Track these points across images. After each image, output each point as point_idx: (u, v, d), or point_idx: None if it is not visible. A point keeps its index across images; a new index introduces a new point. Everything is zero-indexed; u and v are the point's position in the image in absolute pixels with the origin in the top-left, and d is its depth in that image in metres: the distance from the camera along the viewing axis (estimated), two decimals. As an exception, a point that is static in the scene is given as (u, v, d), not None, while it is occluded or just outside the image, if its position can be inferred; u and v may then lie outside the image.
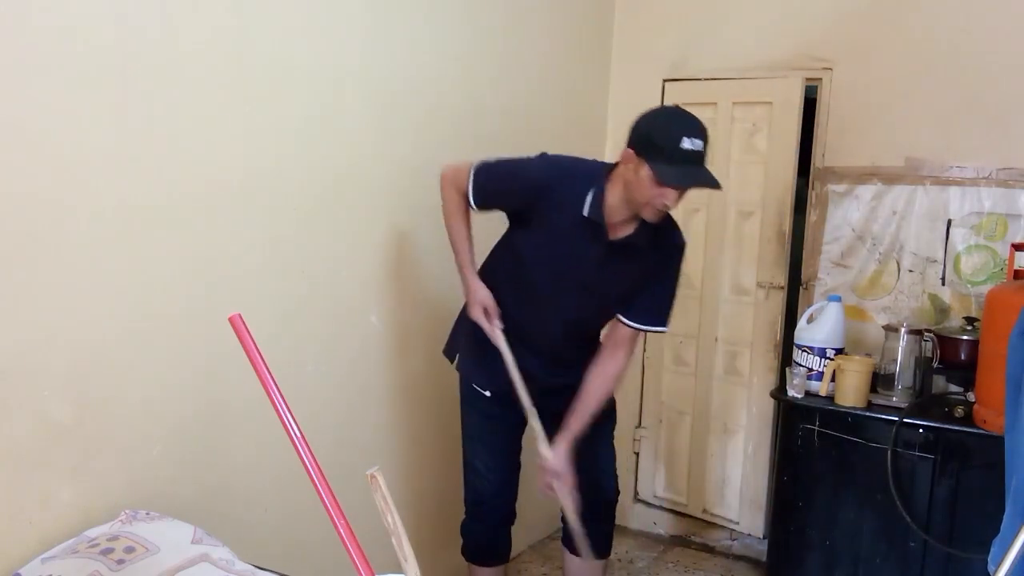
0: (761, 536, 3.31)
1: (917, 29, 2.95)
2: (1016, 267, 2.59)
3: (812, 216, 3.19)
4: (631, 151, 1.96)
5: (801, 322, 2.93)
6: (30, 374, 1.56)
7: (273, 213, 2.08)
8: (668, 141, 1.91)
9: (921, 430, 2.55)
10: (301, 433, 0.81)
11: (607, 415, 2.37)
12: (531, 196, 2.08)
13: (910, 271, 3.01)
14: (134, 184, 1.72)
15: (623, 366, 2.26)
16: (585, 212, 2.03)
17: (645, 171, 1.92)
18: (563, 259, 2.11)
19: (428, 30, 2.55)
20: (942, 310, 2.95)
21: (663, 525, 3.62)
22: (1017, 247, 2.60)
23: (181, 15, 1.79)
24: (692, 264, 3.44)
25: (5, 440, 1.52)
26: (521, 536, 2.79)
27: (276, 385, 0.81)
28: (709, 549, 3.50)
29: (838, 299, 2.89)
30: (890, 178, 3.02)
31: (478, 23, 2.79)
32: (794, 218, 3.20)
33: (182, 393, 1.87)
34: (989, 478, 2.39)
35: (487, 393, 2.29)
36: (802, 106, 3.12)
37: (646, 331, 2.25)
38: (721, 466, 3.42)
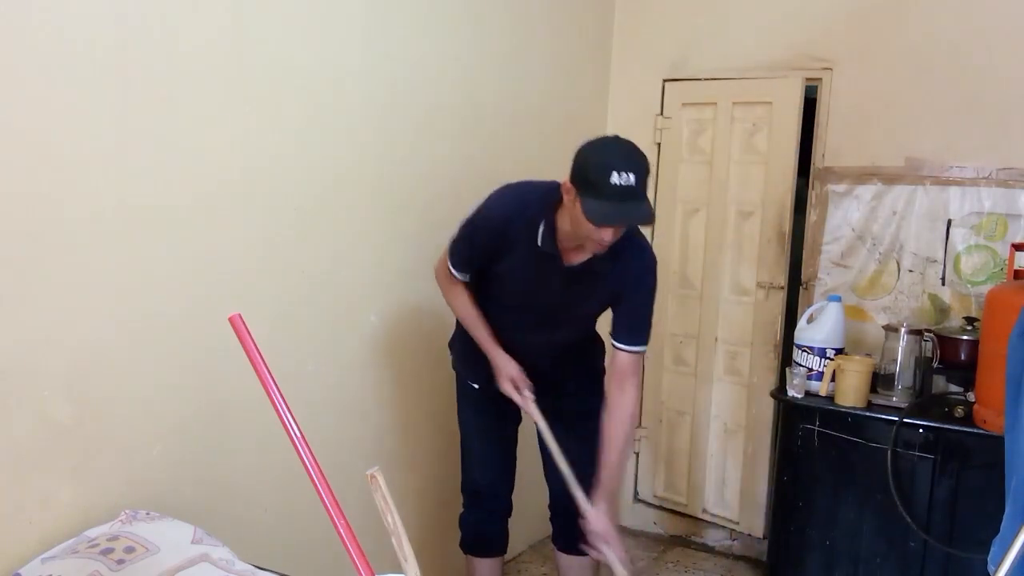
0: (761, 536, 3.31)
1: (917, 29, 2.95)
2: (1016, 267, 2.59)
3: (812, 216, 3.19)
4: (569, 183, 1.93)
5: (801, 322, 2.93)
6: (30, 374, 1.56)
7: (273, 213, 2.08)
8: (598, 176, 1.84)
9: (921, 430, 2.55)
10: (301, 433, 0.81)
11: (592, 416, 2.33)
12: (495, 241, 2.10)
13: (910, 271, 3.01)
14: (134, 184, 1.72)
15: (634, 401, 2.24)
16: (539, 243, 2.03)
17: (579, 206, 1.88)
18: (530, 289, 2.16)
19: (428, 30, 2.55)
20: (942, 310, 2.95)
21: (663, 525, 3.62)
22: (1017, 247, 2.60)
23: (181, 15, 1.79)
24: (692, 264, 3.44)
25: (5, 440, 1.53)
26: (521, 536, 2.79)
27: (276, 385, 0.81)
28: (709, 549, 3.50)
29: (838, 299, 2.89)
30: (890, 178, 3.02)
31: (478, 23, 2.79)
32: (794, 218, 3.21)
33: (182, 393, 1.87)
34: (989, 478, 2.39)
35: (476, 386, 2.36)
36: (802, 106, 3.12)
37: (629, 351, 2.23)
38: (721, 466, 3.42)
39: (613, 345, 2.24)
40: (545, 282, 2.12)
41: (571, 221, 1.96)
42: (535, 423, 2.26)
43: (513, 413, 2.40)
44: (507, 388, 2.24)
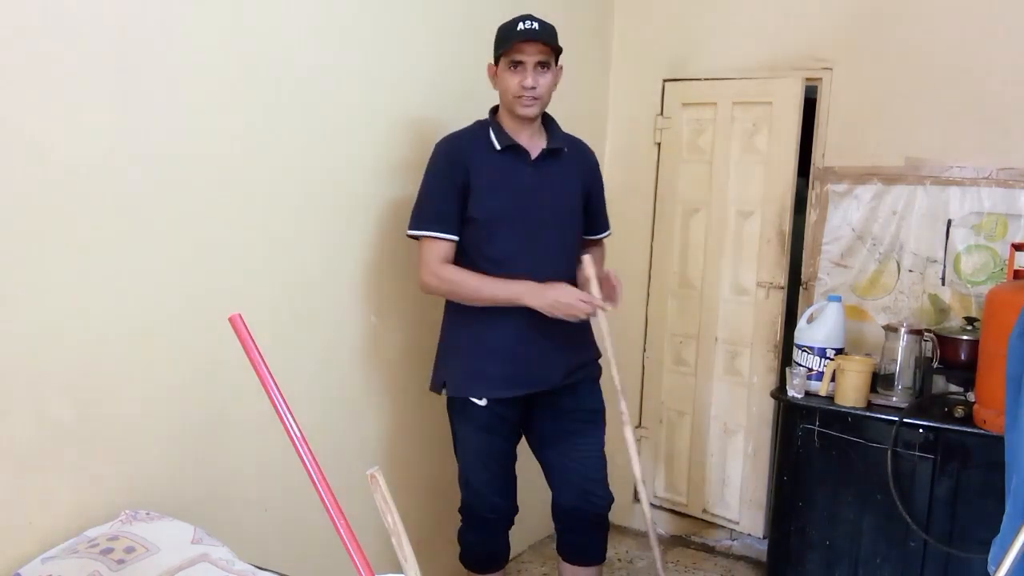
0: (761, 536, 3.31)
1: (917, 29, 2.95)
2: (1016, 267, 2.59)
3: (812, 216, 3.19)
4: (491, 65, 2.21)
5: (801, 322, 2.93)
6: (30, 374, 1.56)
7: (273, 213, 2.08)
8: (507, 31, 2.14)
9: (921, 430, 2.55)
10: (301, 433, 0.81)
11: (595, 421, 2.38)
12: (459, 171, 2.16)
13: (910, 271, 3.01)
14: (134, 184, 1.72)
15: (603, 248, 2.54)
16: (497, 147, 2.19)
17: (500, 65, 2.17)
18: (514, 196, 2.20)
19: (427, 29, 2.55)
20: (942, 310, 2.95)
21: (663, 525, 3.62)
22: (1017, 247, 2.60)
23: (181, 15, 1.79)
24: (692, 264, 3.44)
25: (5, 440, 1.53)
26: (521, 536, 2.79)
27: (276, 385, 0.81)
28: (709, 549, 3.50)
29: (838, 299, 2.89)
30: (890, 178, 3.02)
31: (478, 23, 2.79)
32: (794, 218, 3.20)
33: (182, 393, 1.87)
34: (989, 478, 2.39)
35: (482, 402, 2.21)
36: (802, 106, 3.12)
37: (603, 237, 2.51)
38: (721, 466, 3.42)
39: (587, 239, 2.44)
40: (521, 183, 2.21)
41: (502, 98, 2.21)
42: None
43: (515, 431, 2.34)
44: (580, 306, 2.09)
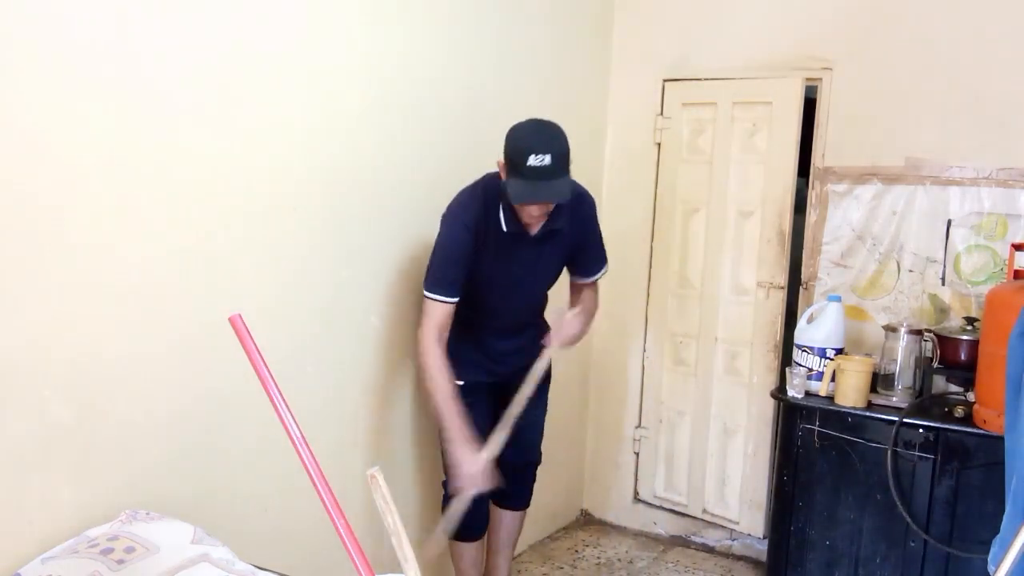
0: (761, 536, 3.31)
1: (917, 29, 2.95)
2: (1016, 267, 2.59)
3: (812, 216, 3.19)
4: (501, 162, 2.21)
5: (801, 322, 2.93)
6: (30, 374, 1.56)
7: (273, 213, 2.08)
8: (519, 158, 2.11)
9: (921, 430, 2.56)
10: (301, 433, 0.81)
11: (539, 396, 2.56)
12: (471, 245, 2.30)
13: (910, 271, 3.01)
14: (134, 184, 1.72)
15: (597, 300, 2.63)
16: (504, 228, 2.30)
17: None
18: (508, 269, 2.38)
19: (428, 30, 2.55)
20: (942, 310, 2.95)
21: (663, 525, 3.62)
22: (1017, 247, 2.60)
23: (181, 15, 1.79)
24: (692, 264, 3.44)
25: (5, 440, 1.53)
26: (521, 536, 2.79)
27: (276, 385, 0.81)
28: (709, 549, 3.50)
29: (838, 299, 2.89)
30: (890, 178, 3.02)
31: (478, 23, 2.79)
32: (794, 218, 3.20)
33: (182, 393, 1.87)
34: (989, 478, 2.40)
35: (460, 383, 2.39)
36: (802, 106, 3.12)
37: (599, 279, 2.58)
38: (721, 466, 3.42)
39: (579, 283, 2.56)
40: (519, 258, 2.37)
41: (506, 196, 2.22)
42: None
43: (492, 409, 2.49)
44: (470, 486, 2.26)
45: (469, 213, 2.31)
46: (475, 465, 2.27)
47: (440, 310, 2.30)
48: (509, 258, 2.36)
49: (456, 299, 2.32)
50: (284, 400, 0.81)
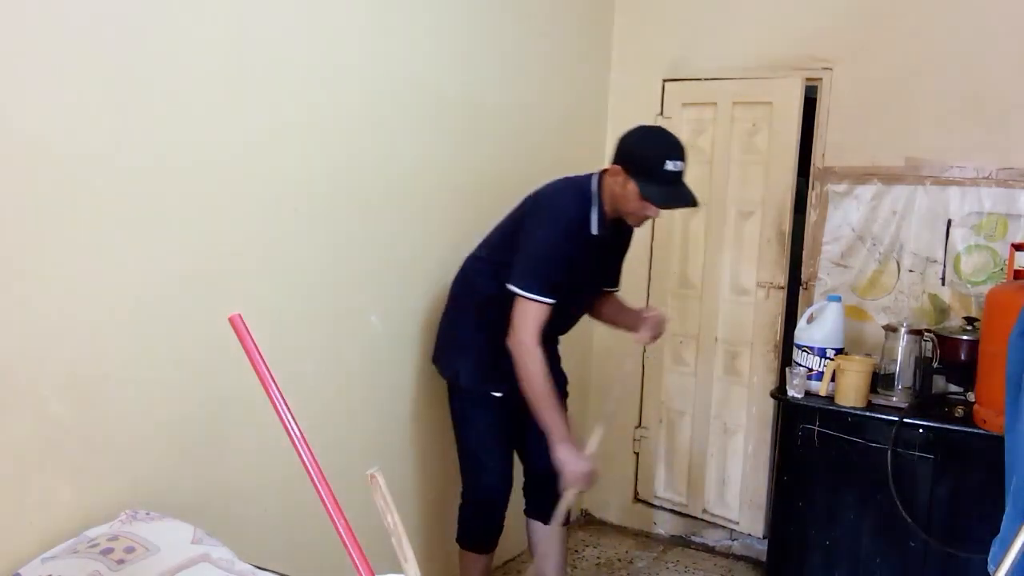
0: (761, 536, 3.31)
1: (917, 29, 2.95)
2: (1016, 267, 2.59)
3: (812, 216, 3.19)
4: (619, 167, 2.21)
5: (801, 322, 2.93)
6: (30, 374, 1.56)
7: (273, 213, 2.08)
8: (654, 162, 2.16)
9: (921, 430, 2.56)
10: (301, 433, 0.80)
11: (564, 392, 2.58)
12: (571, 252, 2.27)
13: (910, 271, 3.01)
14: (133, 184, 1.72)
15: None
16: (594, 231, 2.29)
17: (632, 187, 2.18)
18: (586, 272, 2.38)
19: (428, 30, 2.55)
20: (942, 310, 2.95)
21: (663, 525, 3.62)
22: (1017, 247, 2.60)
23: (181, 14, 1.79)
24: (692, 264, 3.44)
25: (5, 440, 1.52)
26: (521, 536, 2.79)
27: (276, 385, 0.81)
28: (709, 549, 3.50)
29: (838, 299, 2.89)
30: (890, 178, 3.02)
31: (478, 23, 2.79)
32: (794, 218, 3.21)
33: (182, 393, 1.87)
34: (989, 478, 2.39)
35: (499, 394, 2.40)
36: (802, 106, 3.12)
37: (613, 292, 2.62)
38: (721, 466, 3.42)
39: (607, 291, 2.60)
40: (595, 262, 2.40)
41: (615, 199, 2.25)
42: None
43: (519, 423, 2.47)
44: (582, 482, 2.29)
45: (574, 213, 2.28)
46: (582, 464, 2.27)
47: (542, 312, 2.23)
48: (588, 262, 2.35)
49: (554, 302, 2.25)
50: (284, 400, 0.81)
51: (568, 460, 2.27)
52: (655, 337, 2.51)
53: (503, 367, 2.31)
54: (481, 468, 2.48)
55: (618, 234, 2.41)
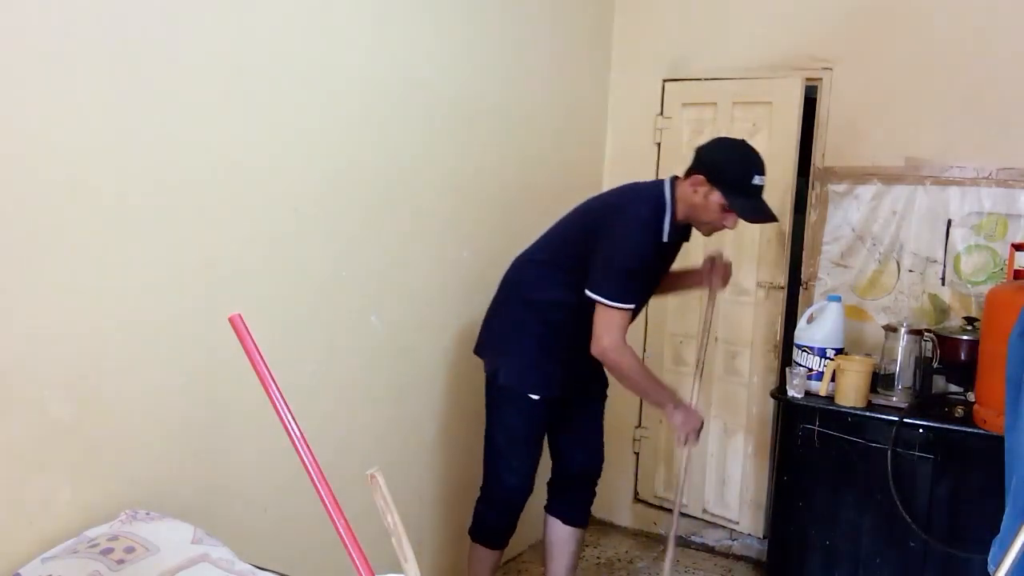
0: (761, 536, 3.31)
1: (917, 29, 2.95)
2: (1016, 267, 2.59)
3: (812, 216, 3.19)
4: (702, 177, 2.24)
5: (801, 322, 2.93)
6: (30, 374, 1.56)
7: (273, 213, 2.08)
8: (744, 177, 2.22)
9: (921, 430, 2.55)
10: (301, 433, 0.80)
11: (603, 395, 2.65)
12: (651, 259, 2.32)
13: (910, 271, 3.01)
14: (133, 184, 1.72)
15: None
16: (665, 239, 2.31)
17: (715, 198, 2.23)
18: (657, 276, 2.45)
19: (428, 30, 2.55)
20: (942, 310, 2.95)
21: (663, 525, 3.61)
22: (1017, 247, 2.60)
23: (181, 14, 1.79)
24: (692, 264, 3.44)
25: (5, 440, 1.52)
26: (521, 536, 2.79)
27: (276, 385, 0.81)
28: (709, 549, 3.50)
29: (838, 299, 2.89)
30: (890, 178, 3.02)
31: (478, 23, 2.79)
32: (794, 218, 3.20)
33: (182, 393, 1.87)
34: (989, 478, 2.39)
35: (536, 397, 2.40)
36: (802, 106, 3.12)
37: None
38: (721, 466, 3.42)
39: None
40: (661, 269, 2.46)
41: (695, 209, 2.28)
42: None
43: (552, 417, 2.50)
44: (690, 437, 2.43)
45: (653, 223, 2.30)
46: (694, 420, 2.42)
47: (626, 318, 2.27)
48: (656, 269, 2.40)
49: (634, 307, 2.31)
50: (284, 400, 0.81)
51: (686, 420, 2.40)
52: (726, 278, 2.57)
53: (546, 370, 2.39)
54: (506, 467, 2.48)
55: (680, 239, 2.44)
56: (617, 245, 2.26)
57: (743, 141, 2.35)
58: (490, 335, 2.53)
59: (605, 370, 2.51)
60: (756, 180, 2.22)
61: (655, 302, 3.52)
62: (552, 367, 2.41)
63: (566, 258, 2.38)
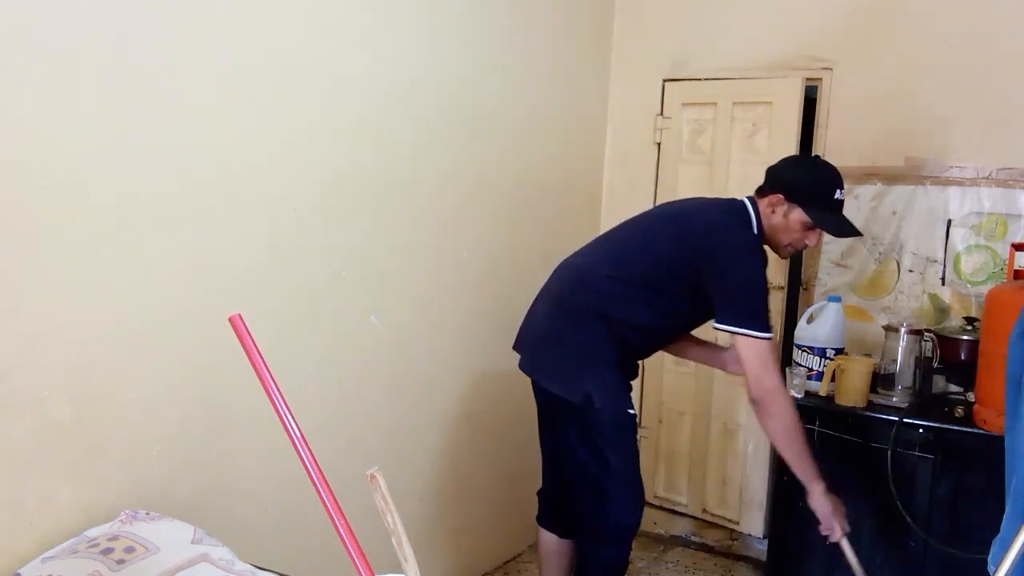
0: (761, 536, 3.31)
1: (917, 29, 2.95)
2: (1016, 267, 2.59)
3: (812, 216, 3.19)
4: (781, 196, 2.19)
5: (801, 322, 2.93)
6: (30, 374, 1.56)
7: (273, 213, 2.08)
8: (828, 193, 2.20)
9: (921, 430, 2.55)
10: (301, 433, 0.80)
11: None
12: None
13: (910, 271, 3.01)
14: (133, 184, 1.72)
15: None
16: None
17: (796, 216, 2.19)
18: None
19: (428, 30, 2.55)
20: (942, 310, 2.95)
21: (663, 525, 3.62)
22: (1017, 247, 2.60)
23: (181, 13, 1.79)
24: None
25: (5, 440, 1.53)
26: (521, 536, 2.79)
27: (276, 385, 0.81)
28: (709, 549, 3.50)
29: (838, 299, 2.89)
30: (890, 178, 3.02)
31: (478, 23, 2.79)
32: (794, 218, 3.20)
33: (182, 393, 1.87)
34: (989, 478, 2.38)
35: (632, 412, 2.26)
36: (802, 106, 3.12)
37: None
38: (721, 466, 3.42)
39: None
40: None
41: (775, 230, 2.23)
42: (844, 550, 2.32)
43: None
44: (838, 528, 2.27)
45: (761, 245, 2.23)
46: (839, 507, 2.28)
47: (772, 349, 2.15)
48: None
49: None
50: (284, 400, 0.81)
51: (836, 506, 2.27)
52: None
53: (626, 385, 2.28)
54: (627, 495, 2.27)
55: None
56: (740, 274, 2.13)
57: (818, 157, 2.32)
58: (561, 357, 2.26)
59: None
60: (838, 195, 2.20)
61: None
62: (626, 383, 2.28)
63: (657, 280, 2.21)
